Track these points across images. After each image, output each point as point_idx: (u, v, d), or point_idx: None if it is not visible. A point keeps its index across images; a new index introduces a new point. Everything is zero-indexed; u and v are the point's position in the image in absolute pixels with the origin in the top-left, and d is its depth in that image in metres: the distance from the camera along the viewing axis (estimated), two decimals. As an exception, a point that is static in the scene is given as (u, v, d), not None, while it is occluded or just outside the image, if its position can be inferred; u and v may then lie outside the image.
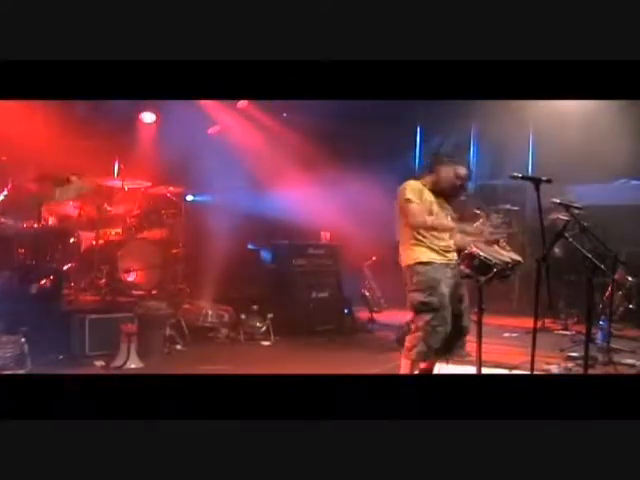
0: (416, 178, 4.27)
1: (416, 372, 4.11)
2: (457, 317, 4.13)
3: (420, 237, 4.08)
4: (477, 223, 4.34)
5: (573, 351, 5.69)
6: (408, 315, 4.27)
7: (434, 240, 4.09)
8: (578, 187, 7.64)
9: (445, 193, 4.24)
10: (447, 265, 4.12)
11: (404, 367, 4.11)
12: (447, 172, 4.19)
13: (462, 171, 4.23)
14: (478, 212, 4.54)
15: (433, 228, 4.10)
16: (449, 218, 4.24)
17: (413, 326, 4.10)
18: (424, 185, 4.19)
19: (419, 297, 4.03)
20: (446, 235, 4.19)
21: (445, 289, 4.03)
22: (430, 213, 4.12)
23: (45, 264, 6.09)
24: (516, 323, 7.52)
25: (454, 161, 4.27)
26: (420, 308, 4.03)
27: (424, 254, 4.07)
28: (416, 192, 4.11)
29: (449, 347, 4.20)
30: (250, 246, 8.46)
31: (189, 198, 7.99)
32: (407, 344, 4.09)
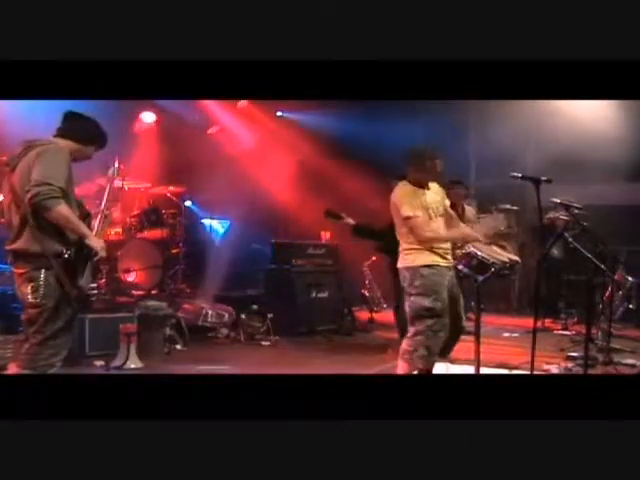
0: (403, 177, 4.26)
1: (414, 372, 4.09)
2: (455, 318, 4.13)
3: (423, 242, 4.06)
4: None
5: (573, 351, 5.70)
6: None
7: (439, 244, 4.09)
8: (577, 187, 7.64)
9: (426, 181, 4.23)
10: (448, 268, 4.12)
11: (401, 369, 4.09)
12: (422, 162, 4.18)
13: (437, 156, 4.22)
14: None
15: (439, 238, 4.10)
16: (446, 211, 4.26)
17: (412, 329, 4.05)
18: (413, 184, 4.17)
19: (423, 302, 3.98)
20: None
21: (446, 294, 4.03)
22: (427, 210, 4.11)
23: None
24: (516, 323, 7.53)
25: (428, 150, 4.26)
26: (423, 313, 3.99)
27: (429, 257, 4.03)
28: (410, 198, 4.09)
29: (447, 348, 4.21)
30: (250, 246, 8.46)
31: (188, 203, 8.00)
32: (406, 347, 4.05)
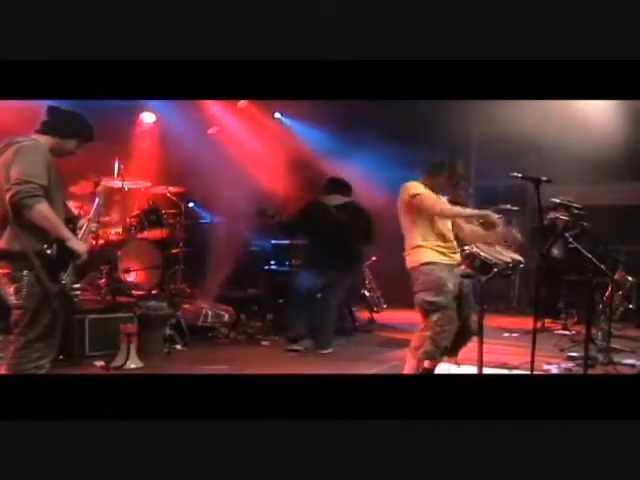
0: (417, 180, 4.29)
1: (420, 370, 4.11)
2: (464, 318, 4.14)
3: (423, 240, 4.14)
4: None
5: (573, 351, 5.69)
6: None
7: (439, 242, 4.15)
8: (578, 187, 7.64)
9: (447, 194, 4.29)
10: (453, 266, 4.15)
11: (409, 365, 4.14)
12: (445, 176, 4.24)
13: (460, 170, 4.28)
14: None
15: (450, 216, 4.19)
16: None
17: (421, 325, 4.12)
18: (425, 186, 4.21)
19: (426, 296, 4.05)
20: (451, 236, 4.25)
21: (452, 288, 4.06)
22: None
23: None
24: (516, 323, 7.52)
25: (453, 164, 4.30)
26: (427, 308, 4.05)
27: (429, 255, 4.10)
28: (419, 188, 4.16)
29: (455, 348, 4.22)
30: (250, 246, 8.45)
31: (190, 205, 8.00)
32: (414, 343, 4.12)
